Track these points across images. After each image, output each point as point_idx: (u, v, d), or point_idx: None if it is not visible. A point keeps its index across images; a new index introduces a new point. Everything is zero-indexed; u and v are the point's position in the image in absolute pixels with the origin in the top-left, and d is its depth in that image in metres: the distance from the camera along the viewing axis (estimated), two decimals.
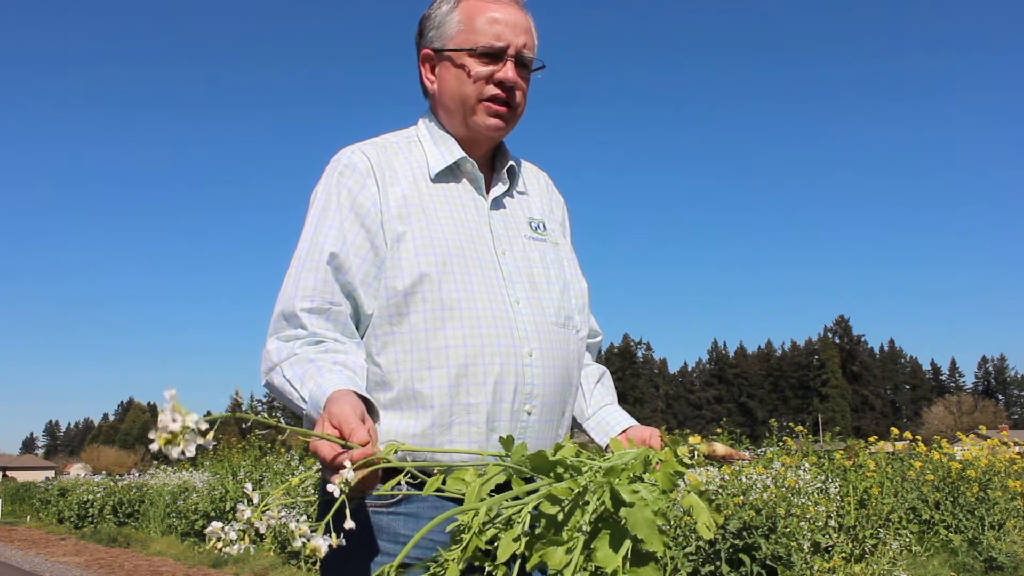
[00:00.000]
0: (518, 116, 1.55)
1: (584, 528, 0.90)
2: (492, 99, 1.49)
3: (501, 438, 1.08)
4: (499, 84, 1.48)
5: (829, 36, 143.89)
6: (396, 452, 1.14)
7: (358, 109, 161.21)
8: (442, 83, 1.53)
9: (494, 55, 1.48)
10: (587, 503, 0.91)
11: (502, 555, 0.93)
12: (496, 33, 1.48)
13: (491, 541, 0.98)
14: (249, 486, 0.92)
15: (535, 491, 0.97)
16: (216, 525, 0.88)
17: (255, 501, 0.91)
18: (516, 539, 0.93)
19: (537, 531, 0.94)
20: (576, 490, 0.92)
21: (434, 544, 1.33)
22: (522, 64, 1.51)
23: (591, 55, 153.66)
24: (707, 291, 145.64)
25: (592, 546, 0.89)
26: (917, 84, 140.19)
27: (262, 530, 0.90)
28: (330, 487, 1.00)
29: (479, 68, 1.48)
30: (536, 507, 0.95)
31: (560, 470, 0.96)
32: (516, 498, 0.99)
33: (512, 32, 1.48)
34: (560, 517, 0.92)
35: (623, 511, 0.89)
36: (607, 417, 1.59)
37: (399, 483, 1.13)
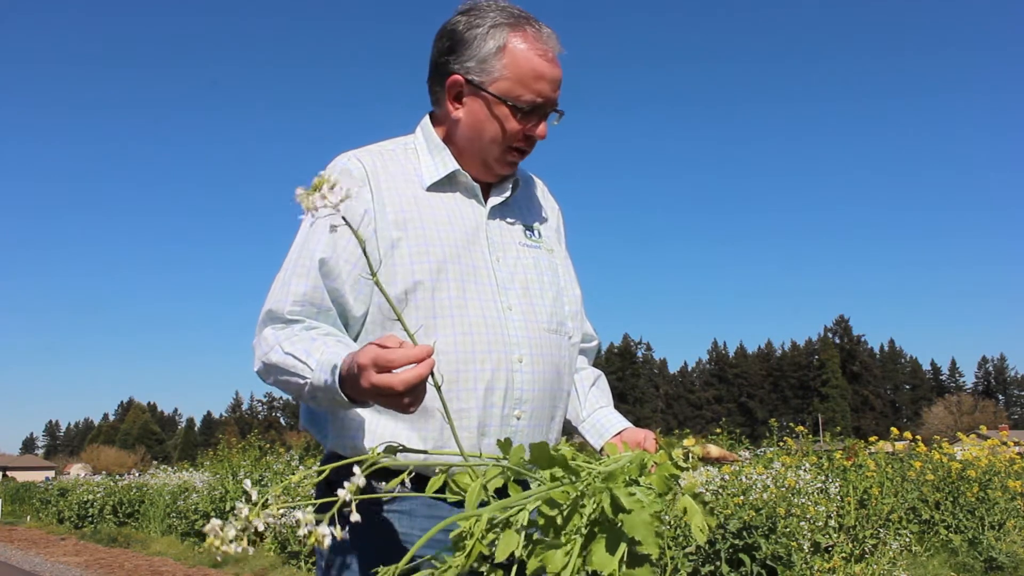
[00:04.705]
0: None
1: (581, 531, 0.90)
2: (517, 149, 1.52)
3: (499, 441, 1.09)
4: (527, 138, 1.51)
5: (830, 36, 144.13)
6: (396, 453, 1.14)
7: (358, 110, 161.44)
8: (471, 118, 1.50)
9: (531, 111, 1.49)
10: (584, 507, 0.91)
11: (500, 555, 0.93)
12: (539, 91, 1.47)
13: (490, 545, 0.98)
14: (248, 483, 0.92)
15: (534, 494, 0.97)
16: (215, 522, 0.87)
17: (254, 499, 0.91)
18: (515, 540, 0.93)
19: (534, 537, 0.95)
20: (574, 494, 0.93)
21: (432, 541, 1.34)
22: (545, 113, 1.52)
23: (591, 55, 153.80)
24: (707, 291, 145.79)
25: (588, 548, 0.89)
26: (917, 84, 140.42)
27: (261, 528, 0.89)
28: (340, 491, 1.01)
29: (514, 123, 1.48)
30: (535, 509, 0.95)
31: (558, 470, 0.96)
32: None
33: (552, 89, 1.49)
34: (559, 520, 0.92)
35: (621, 515, 0.89)
36: (602, 419, 1.61)
37: (402, 483, 1.14)
